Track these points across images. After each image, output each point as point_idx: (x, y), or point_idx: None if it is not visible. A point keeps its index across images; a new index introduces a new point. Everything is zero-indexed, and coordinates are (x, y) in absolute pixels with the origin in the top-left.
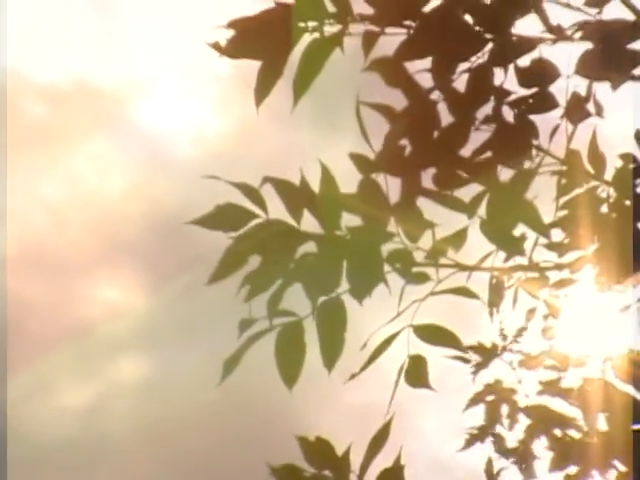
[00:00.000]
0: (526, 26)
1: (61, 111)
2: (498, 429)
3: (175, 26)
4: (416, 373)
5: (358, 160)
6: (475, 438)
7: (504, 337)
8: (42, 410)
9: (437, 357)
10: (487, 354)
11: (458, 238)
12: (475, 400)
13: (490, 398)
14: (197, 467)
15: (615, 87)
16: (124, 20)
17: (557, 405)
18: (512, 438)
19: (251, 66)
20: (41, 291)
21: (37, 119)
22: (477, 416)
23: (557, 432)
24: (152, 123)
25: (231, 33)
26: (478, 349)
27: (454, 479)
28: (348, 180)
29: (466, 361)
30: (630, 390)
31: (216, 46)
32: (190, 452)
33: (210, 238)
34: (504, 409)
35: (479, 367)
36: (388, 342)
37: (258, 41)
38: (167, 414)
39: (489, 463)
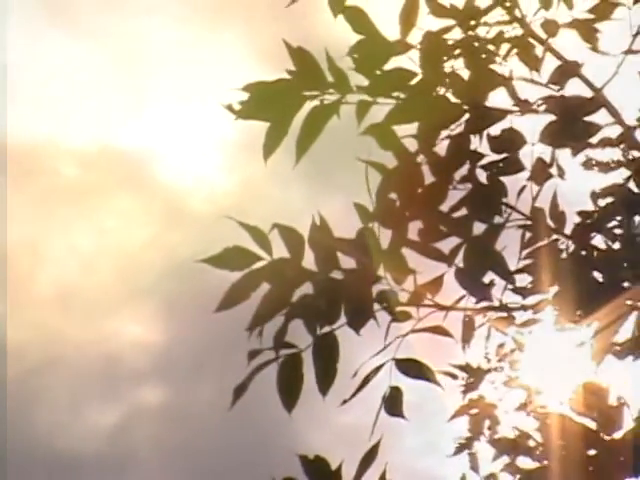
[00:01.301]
0: (498, 99)
1: (90, 172)
2: (474, 448)
3: (188, 97)
4: (393, 403)
5: (360, 210)
6: (463, 447)
7: (488, 360)
8: (75, 428)
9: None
10: (476, 374)
11: (437, 283)
12: (459, 412)
13: (474, 411)
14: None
15: (575, 154)
16: (144, 90)
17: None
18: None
19: (253, 131)
20: (74, 328)
21: (69, 179)
22: (448, 435)
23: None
24: (169, 181)
25: (242, 98)
26: (466, 369)
27: None
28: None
29: (439, 384)
30: (584, 420)
31: (230, 108)
32: (203, 467)
33: (220, 281)
34: (486, 423)
35: (470, 386)
36: (374, 373)
37: (267, 105)
38: (183, 434)
39: (463, 478)
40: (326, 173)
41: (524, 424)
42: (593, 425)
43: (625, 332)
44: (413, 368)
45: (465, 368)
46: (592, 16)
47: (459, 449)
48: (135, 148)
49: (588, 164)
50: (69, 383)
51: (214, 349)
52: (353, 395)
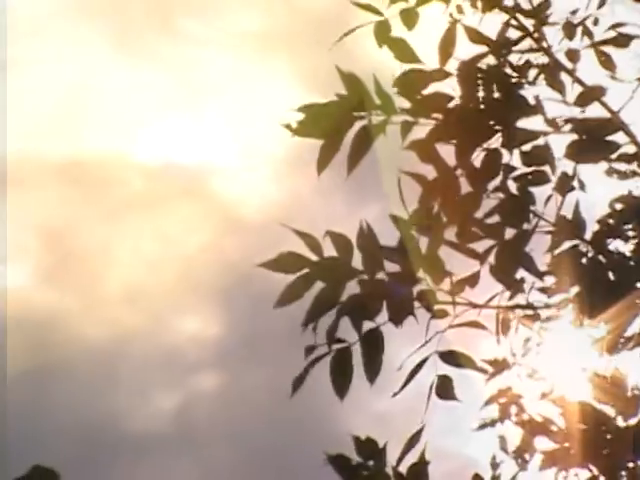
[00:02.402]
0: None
1: (154, 184)
2: (503, 431)
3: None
4: (445, 389)
5: (397, 220)
6: (485, 425)
7: (513, 354)
8: (141, 411)
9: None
10: (499, 366)
11: (472, 279)
12: (490, 400)
13: (502, 400)
14: (265, 456)
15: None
16: (202, 111)
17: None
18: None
19: (299, 148)
20: (141, 322)
21: (137, 190)
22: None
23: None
24: (224, 192)
25: (297, 118)
26: (493, 362)
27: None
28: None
29: (483, 371)
30: (601, 407)
31: (289, 127)
32: (255, 445)
33: (269, 281)
34: (513, 409)
35: (492, 375)
36: (420, 365)
37: (321, 125)
38: (237, 416)
39: (493, 458)
40: (363, 185)
41: (547, 411)
42: (611, 412)
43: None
44: (455, 358)
45: (492, 362)
46: (611, 45)
47: (482, 426)
48: (194, 163)
49: (610, 172)
50: (136, 372)
51: (265, 340)
52: (403, 387)
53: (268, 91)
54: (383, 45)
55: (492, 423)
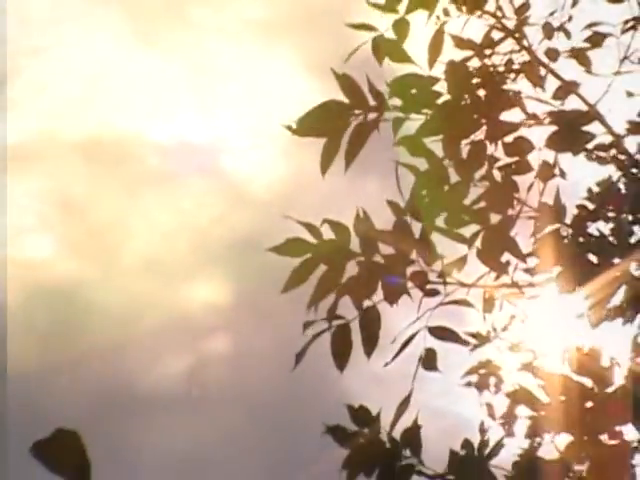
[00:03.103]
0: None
1: (168, 161)
2: (489, 398)
3: (250, 99)
4: (429, 361)
5: (393, 206)
6: (469, 385)
7: (494, 329)
8: (156, 373)
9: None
10: (482, 339)
11: (461, 262)
12: (471, 371)
13: (482, 371)
14: (271, 414)
15: (575, 154)
16: (213, 94)
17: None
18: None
19: None
20: (156, 291)
21: (152, 167)
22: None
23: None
24: (233, 169)
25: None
26: (476, 336)
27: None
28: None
29: (467, 344)
30: (579, 379)
31: (289, 128)
32: (261, 404)
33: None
34: (492, 380)
35: (475, 347)
36: (411, 339)
37: (320, 125)
38: (245, 378)
39: (482, 423)
40: (363, 161)
41: (528, 382)
42: (589, 382)
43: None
44: (443, 333)
45: (474, 335)
46: (587, 44)
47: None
48: (206, 141)
49: (590, 157)
50: (151, 336)
51: (272, 308)
52: (394, 357)
53: (274, 75)
54: (382, 60)
55: (475, 386)
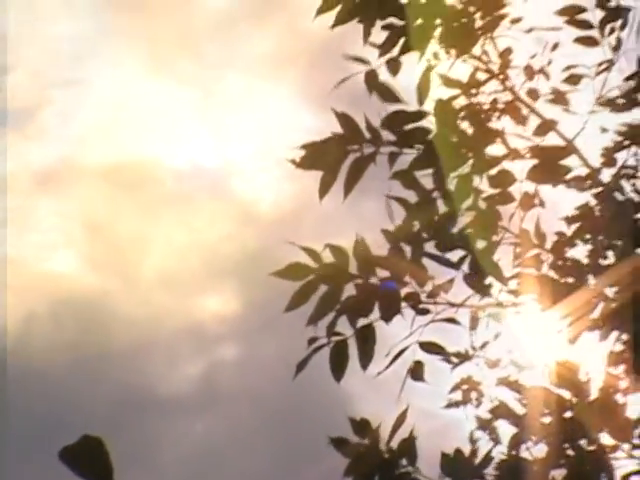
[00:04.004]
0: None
1: (183, 183)
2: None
3: (256, 126)
4: (417, 372)
5: (386, 234)
6: (452, 405)
7: (474, 348)
8: (171, 376)
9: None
10: (463, 357)
11: (449, 284)
12: (455, 388)
13: (465, 387)
14: (277, 415)
15: (554, 186)
16: (223, 122)
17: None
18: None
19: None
20: (171, 301)
21: (168, 189)
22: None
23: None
24: (242, 191)
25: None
26: (457, 355)
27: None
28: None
29: (450, 362)
30: (558, 391)
31: (294, 162)
32: (268, 406)
33: (280, 266)
34: (474, 394)
35: (456, 365)
36: (402, 352)
37: (320, 158)
38: (252, 382)
39: (471, 434)
40: (361, 186)
41: (505, 396)
42: (567, 394)
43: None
44: (432, 347)
45: (457, 354)
46: (565, 85)
47: (450, 405)
48: (217, 165)
49: (570, 185)
50: (167, 343)
51: (277, 317)
52: (386, 368)
53: (279, 104)
54: (372, 92)
55: (457, 404)
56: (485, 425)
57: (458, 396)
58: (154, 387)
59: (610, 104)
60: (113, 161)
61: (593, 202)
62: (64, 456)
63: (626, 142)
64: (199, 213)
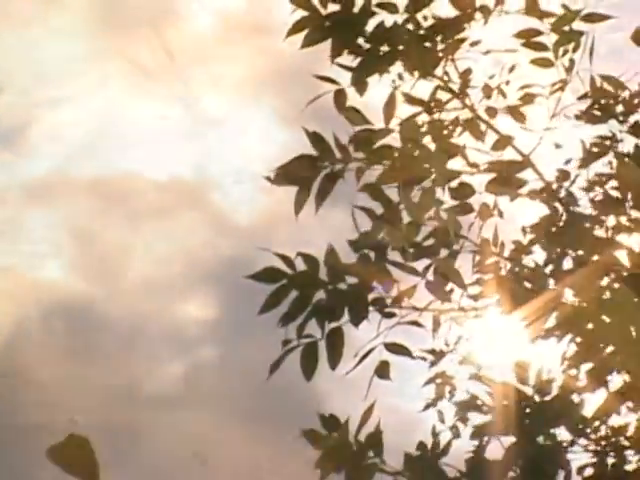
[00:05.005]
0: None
1: (163, 195)
2: (441, 406)
3: (233, 141)
4: (383, 371)
5: (353, 243)
6: (429, 405)
7: (447, 345)
8: (155, 376)
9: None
10: (437, 355)
11: (413, 289)
12: (429, 381)
13: (438, 381)
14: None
15: (512, 200)
16: (201, 138)
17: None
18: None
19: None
20: (154, 306)
21: (149, 200)
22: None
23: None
24: (219, 201)
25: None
26: (432, 352)
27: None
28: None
29: (414, 358)
30: (522, 387)
31: (269, 179)
32: (246, 405)
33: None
34: (447, 389)
35: (434, 362)
36: (369, 353)
37: (294, 175)
38: (232, 382)
39: (434, 428)
40: (330, 200)
41: (476, 390)
42: (529, 390)
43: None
44: (397, 348)
45: (431, 352)
46: (520, 103)
47: (427, 406)
48: (195, 178)
49: (529, 195)
50: (150, 345)
51: (254, 322)
52: (354, 367)
53: (254, 121)
54: (341, 111)
55: (434, 402)
56: (460, 414)
57: (431, 393)
58: (139, 387)
59: (577, 117)
60: (98, 175)
61: (548, 213)
62: (52, 455)
63: (599, 152)
64: (179, 223)
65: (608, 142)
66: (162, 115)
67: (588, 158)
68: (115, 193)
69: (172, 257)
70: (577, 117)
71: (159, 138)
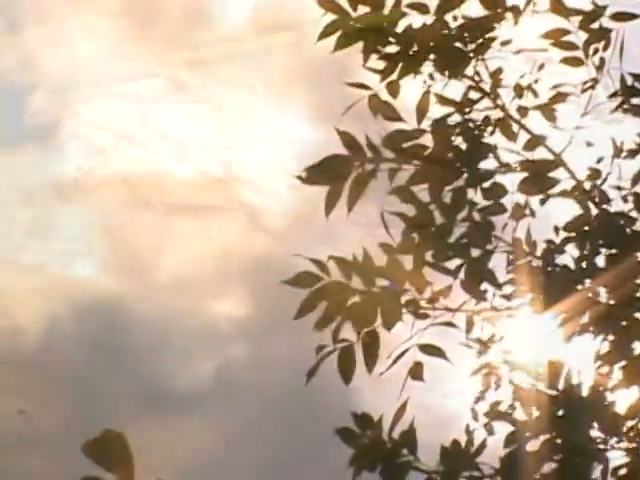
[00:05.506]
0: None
1: (195, 194)
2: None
3: (264, 141)
4: (417, 372)
5: (385, 247)
6: (479, 399)
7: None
8: (187, 372)
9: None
10: (484, 345)
11: (447, 290)
12: (476, 371)
13: (485, 371)
14: (286, 409)
15: (542, 203)
16: (233, 137)
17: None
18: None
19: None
20: (186, 304)
21: (181, 199)
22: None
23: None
24: (251, 200)
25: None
26: (480, 341)
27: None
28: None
29: (448, 360)
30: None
31: (301, 179)
32: (281, 400)
33: (287, 270)
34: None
35: (481, 352)
36: (402, 354)
37: (325, 175)
38: (262, 378)
39: (467, 427)
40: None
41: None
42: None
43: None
44: (431, 350)
45: (478, 340)
46: (552, 102)
47: (477, 400)
48: (227, 176)
49: (562, 194)
50: (182, 342)
51: (284, 318)
52: (388, 368)
53: (285, 120)
54: (376, 115)
55: (482, 395)
56: (498, 414)
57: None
58: (170, 383)
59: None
60: (130, 173)
61: (581, 212)
62: (87, 449)
63: None
64: (210, 221)
65: None
66: (193, 113)
67: (632, 151)
68: (146, 191)
69: (203, 255)
70: (622, 110)
71: (190, 136)
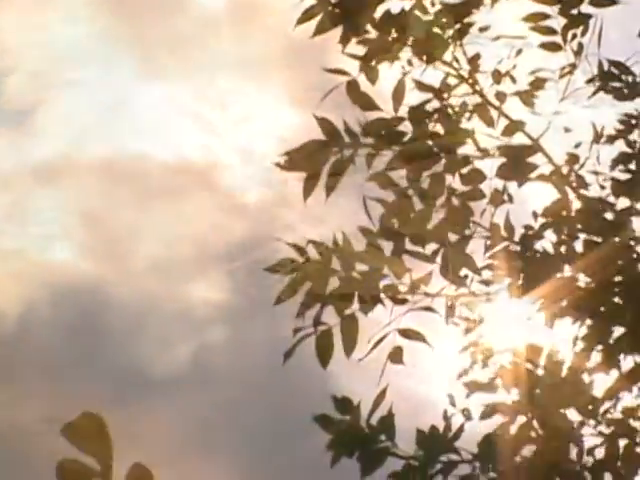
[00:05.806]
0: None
1: (173, 177)
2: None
3: (242, 123)
4: (396, 356)
5: (364, 231)
6: (461, 374)
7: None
8: (165, 357)
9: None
10: (470, 324)
11: (427, 276)
12: (464, 349)
13: (472, 349)
14: (263, 394)
15: (520, 185)
16: (210, 119)
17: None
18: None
19: (290, 147)
20: (163, 288)
21: (159, 182)
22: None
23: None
24: (229, 183)
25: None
26: (466, 319)
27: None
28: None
29: (429, 344)
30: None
31: (279, 165)
32: (258, 385)
33: (264, 254)
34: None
35: (467, 331)
36: (382, 339)
37: (303, 161)
38: (239, 361)
39: (445, 412)
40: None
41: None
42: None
43: None
44: (411, 334)
45: (465, 319)
46: (530, 87)
47: (459, 375)
48: (204, 160)
49: (540, 179)
50: (161, 326)
51: (262, 301)
52: (367, 354)
53: (262, 103)
54: (355, 102)
55: (465, 372)
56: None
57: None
58: (148, 367)
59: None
60: (107, 157)
61: (559, 197)
62: (66, 432)
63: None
64: (188, 205)
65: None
66: (171, 97)
67: (611, 137)
68: (124, 175)
69: (181, 238)
70: (605, 92)
71: (168, 120)
